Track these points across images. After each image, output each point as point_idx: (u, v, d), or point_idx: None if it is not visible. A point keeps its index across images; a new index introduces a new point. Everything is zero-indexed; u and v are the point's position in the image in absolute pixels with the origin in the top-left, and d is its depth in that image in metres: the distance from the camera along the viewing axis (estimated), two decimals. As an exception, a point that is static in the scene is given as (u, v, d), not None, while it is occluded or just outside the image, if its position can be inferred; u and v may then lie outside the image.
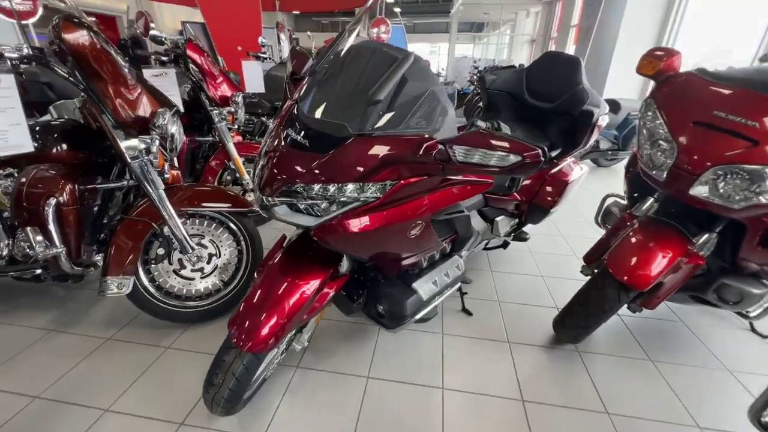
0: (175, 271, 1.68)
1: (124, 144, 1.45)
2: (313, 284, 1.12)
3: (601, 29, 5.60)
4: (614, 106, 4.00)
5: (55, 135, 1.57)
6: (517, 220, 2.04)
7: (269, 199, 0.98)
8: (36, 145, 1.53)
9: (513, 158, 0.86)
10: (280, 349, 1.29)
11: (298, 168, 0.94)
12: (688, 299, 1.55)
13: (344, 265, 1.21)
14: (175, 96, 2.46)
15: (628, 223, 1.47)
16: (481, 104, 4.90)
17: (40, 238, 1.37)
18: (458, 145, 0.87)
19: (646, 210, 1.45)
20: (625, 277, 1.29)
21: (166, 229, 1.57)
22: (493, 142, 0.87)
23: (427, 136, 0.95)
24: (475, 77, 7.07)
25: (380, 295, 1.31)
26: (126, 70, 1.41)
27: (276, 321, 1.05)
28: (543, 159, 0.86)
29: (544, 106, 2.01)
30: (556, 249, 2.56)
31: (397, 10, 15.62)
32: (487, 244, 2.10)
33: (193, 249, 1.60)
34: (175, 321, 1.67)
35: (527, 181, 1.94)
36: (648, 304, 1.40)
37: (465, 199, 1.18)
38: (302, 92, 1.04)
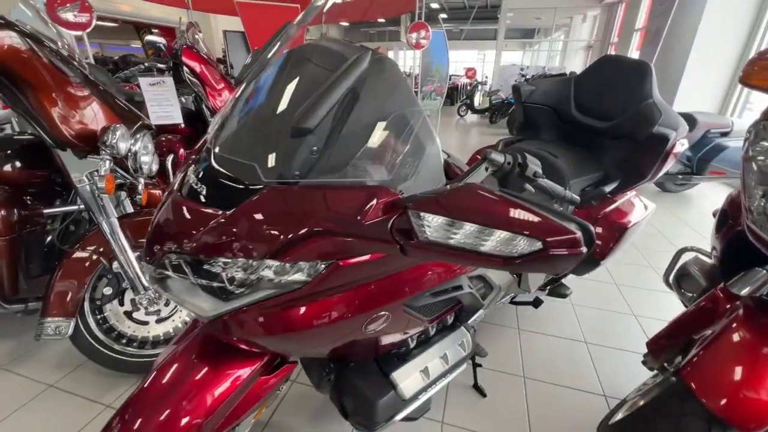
0: (126, 313, 1.44)
1: (68, 164, 1.25)
2: (247, 371, 0.80)
3: (674, 30, 4.82)
4: (689, 121, 3.33)
5: (9, 152, 1.40)
6: (554, 271, 1.59)
7: (155, 268, 0.66)
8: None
9: (525, 245, 0.46)
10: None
11: (192, 229, 0.62)
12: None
13: (291, 349, 0.87)
14: (174, 106, 2.29)
15: (728, 306, 0.98)
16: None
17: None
18: (429, 212, 0.50)
19: (754, 288, 0.96)
20: (722, 403, 0.81)
21: (115, 265, 1.34)
22: (495, 209, 0.48)
23: (386, 188, 0.58)
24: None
25: (345, 385, 0.95)
26: (72, 79, 1.20)
27: (188, 422, 0.74)
28: (585, 248, 0.46)
29: (598, 125, 1.57)
30: (605, 302, 2.03)
31: (443, 16, 15.26)
32: (514, 297, 1.66)
33: (146, 289, 1.36)
34: (124, 372, 1.42)
35: None
36: (754, 439, 0.90)
37: (461, 275, 0.79)
38: (217, 116, 0.72)
